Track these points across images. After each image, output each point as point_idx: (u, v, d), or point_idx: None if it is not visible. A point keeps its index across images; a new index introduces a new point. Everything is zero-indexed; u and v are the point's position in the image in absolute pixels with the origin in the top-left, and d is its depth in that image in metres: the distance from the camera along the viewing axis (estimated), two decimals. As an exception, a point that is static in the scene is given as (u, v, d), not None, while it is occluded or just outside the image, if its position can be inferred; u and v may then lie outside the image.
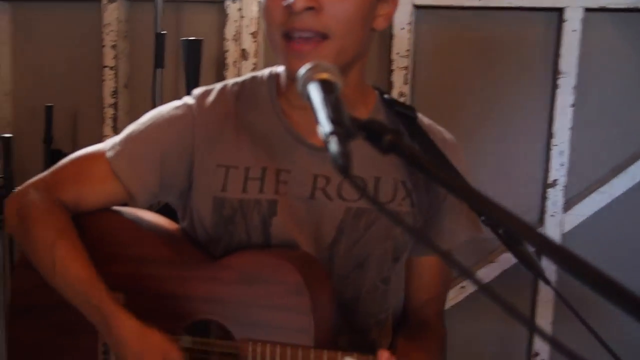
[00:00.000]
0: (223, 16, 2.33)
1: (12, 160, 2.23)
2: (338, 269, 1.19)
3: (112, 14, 2.43)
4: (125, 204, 1.24)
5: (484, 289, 0.62)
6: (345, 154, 0.71)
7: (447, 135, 1.30)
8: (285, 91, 1.21)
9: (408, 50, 2.15)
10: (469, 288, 2.18)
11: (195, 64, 1.98)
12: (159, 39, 2.13)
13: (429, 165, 0.75)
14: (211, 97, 1.22)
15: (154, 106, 2.13)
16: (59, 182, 1.21)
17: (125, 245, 1.18)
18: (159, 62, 2.14)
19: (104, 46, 2.45)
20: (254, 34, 2.28)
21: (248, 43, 2.29)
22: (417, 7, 2.15)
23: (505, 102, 2.15)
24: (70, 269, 1.13)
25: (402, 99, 2.16)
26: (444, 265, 1.31)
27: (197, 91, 1.24)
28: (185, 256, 1.17)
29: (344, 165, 0.70)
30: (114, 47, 2.44)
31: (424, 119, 1.29)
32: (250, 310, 1.09)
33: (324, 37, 1.08)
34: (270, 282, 1.08)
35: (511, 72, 2.14)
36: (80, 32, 2.54)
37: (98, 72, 2.48)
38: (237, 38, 2.31)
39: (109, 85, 2.47)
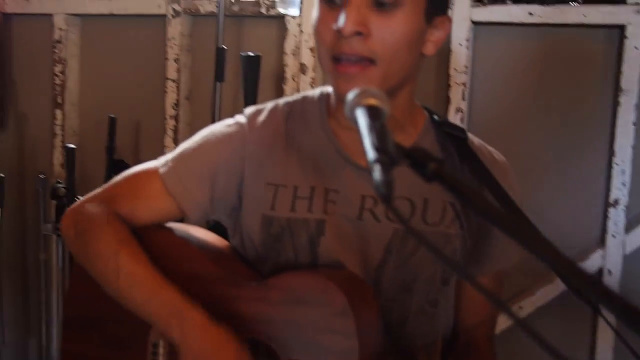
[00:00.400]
0: (283, 31, 2.36)
1: (74, 170, 2.31)
2: (385, 291, 1.18)
3: (175, 28, 2.49)
4: (178, 220, 1.27)
5: (522, 324, 0.61)
6: (387, 182, 0.72)
7: (498, 156, 1.29)
8: (335, 111, 1.22)
9: (466, 66, 2.14)
10: (523, 311, 2.15)
11: (253, 79, 2.01)
12: (220, 53, 2.17)
13: (471, 195, 0.75)
14: (262, 117, 1.24)
15: (213, 119, 2.19)
16: (113, 197, 1.24)
17: (176, 262, 1.20)
18: (219, 76, 2.18)
19: (167, 59, 2.51)
20: (312, 49, 2.30)
21: (307, 58, 2.32)
22: (476, 24, 2.14)
23: (566, 119, 2.11)
24: (136, 271, 1.14)
25: (459, 115, 2.15)
26: (496, 287, 1.30)
27: (249, 110, 1.26)
28: (234, 274, 1.18)
29: (386, 194, 0.71)
30: (176, 60, 2.50)
31: (474, 139, 1.28)
32: (296, 331, 1.09)
33: (371, 61, 1.09)
34: (316, 304, 1.08)
35: (571, 89, 2.10)
36: (145, 45, 2.61)
37: (161, 84, 2.54)
38: (296, 53, 2.33)
39: (170, 97, 2.53)
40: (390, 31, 1.08)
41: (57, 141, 2.74)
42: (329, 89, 1.26)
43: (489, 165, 1.23)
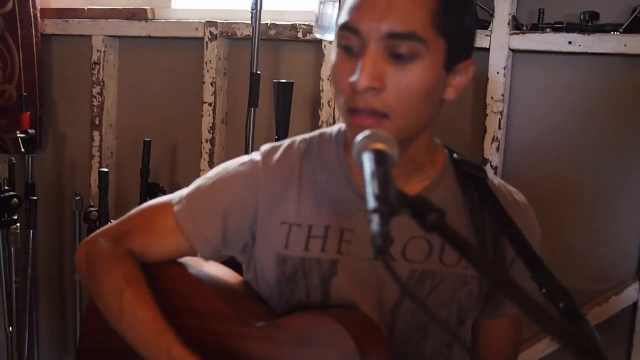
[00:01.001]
0: (320, 56, 2.35)
1: (107, 194, 2.32)
2: (400, 333, 1.17)
3: (212, 52, 2.50)
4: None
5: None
6: (384, 234, 0.74)
7: (519, 197, 1.27)
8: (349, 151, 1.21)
9: (503, 94, 2.11)
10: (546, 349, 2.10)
11: (286, 105, 2.01)
12: (254, 78, 2.17)
13: (468, 249, 0.76)
14: (277, 155, 1.24)
15: (246, 144, 2.19)
16: (127, 231, 1.26)
17: (185, 298, 1.21)
18: (252, 101, 2.18)
19: (203, 82, 2.53)
20: (348, 75, 2.29)
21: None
22: (514, 51, 2.11)
23: (604, 150, 2.06)
24: (138, 314, 1.16)
25: (495, 145, 2.12)
26: (515, 329, 1.28)
27: (264, 147, 1.26)
28: (244, 313, 1.18)
29: (381, 246, 0.73)
30: (212, 83, 2.51)
31: (494, 179, 1.27)
32: None
33: (385, 116, 1.06)
34: (323, 346, 1.07)
35: (611, 119, 2.05)
36: (182, 68, 2.63)
37: (197, 107, 2.56)
38: (332, 78, 2.32)
39: (207, 120, 2.54)
40: (405, 85, 1.05)
41: (95, 163, 2.77)
42: None
43: (509, 206, 1.21)
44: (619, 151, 2.05)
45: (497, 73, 2.11)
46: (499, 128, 2.12)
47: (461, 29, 1.10)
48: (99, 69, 2.74)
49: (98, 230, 1.29)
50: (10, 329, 2.50)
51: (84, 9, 2.77)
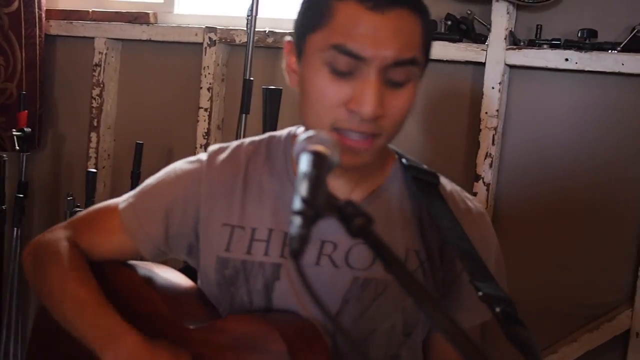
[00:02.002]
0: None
1: (94, 194, 2.31)
2: (343, 343, 1.13)
3: (210, 57, 2.49)
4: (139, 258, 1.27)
5: None
6: (302, 238, 0.72)
7: (472, 204, 1.23)
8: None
9: (497, 110, 2.07)
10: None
11: (274, 111, 2.00)
12: (246, 84, 2.16)
13: (389, 258, 0.75)
14: (223, 155, 1.22)
15: (237, 150, 2.17)
16: (75, 230, 1.26)
17: (131, 300, 1.19)
18: (244, 107, 2.17)
19: (201, 88, 2.52)
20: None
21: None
22: (510, 67, 2.07)
23: (600, 170, 2.02)
24: (81, 294, 1.15)
25: (488, 161, 2.08)
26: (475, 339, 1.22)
27: (212, 147, 1.25)
28: (186, 316, 1.16)
29: (296, 249, 0.71)
30: (209, 89, 2.50)
31: (447, 185, 1.23)
32: None
33: (377, 136, 1.05)
34: (256, 350, 1.05)
35: (608, 139, 2.00)
36: (181, 73, 2.63)
37: (194, 112, 2.54)
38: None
39: (202, 126, 2.52)
40: (400, 108, 1.05)
41: (91, 164, 2.76)
42: (298, 130, 1.22)
43: (460, 212, 1.18)
44: (615, 172, 2.00)
45: (492, 88, 2.07)
46: (493, 144, 2.09)
47: (430, 45, 1.11)
48: (100, 71, 2.74)
49: (46, 231, 1.29)
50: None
51: (88, 11, 2.78)
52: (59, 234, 1.25)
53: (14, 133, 2.60)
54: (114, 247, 1.24)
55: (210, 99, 2.51)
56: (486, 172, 2.09)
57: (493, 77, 2.07)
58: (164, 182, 1.23)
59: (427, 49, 1.08)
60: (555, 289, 2.07)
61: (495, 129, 2.08)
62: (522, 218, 2.12)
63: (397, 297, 1.14)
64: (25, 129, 2.60)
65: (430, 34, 1.10)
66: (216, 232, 1.17)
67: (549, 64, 2.00)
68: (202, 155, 1.24)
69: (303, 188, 0.77)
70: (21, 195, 2.55)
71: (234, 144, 1.24)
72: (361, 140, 1.04)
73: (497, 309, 1.01)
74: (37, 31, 2.78)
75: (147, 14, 2.65)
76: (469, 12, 2.10)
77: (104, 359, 1.11)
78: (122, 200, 1.25)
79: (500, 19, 2.05)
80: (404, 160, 1.21)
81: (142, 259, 1.26)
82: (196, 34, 2.52)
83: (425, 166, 1.22)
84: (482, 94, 2.09)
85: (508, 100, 2.11)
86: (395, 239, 1.15)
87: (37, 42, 2.78)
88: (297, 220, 0.74)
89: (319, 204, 0.75)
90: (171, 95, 2.66)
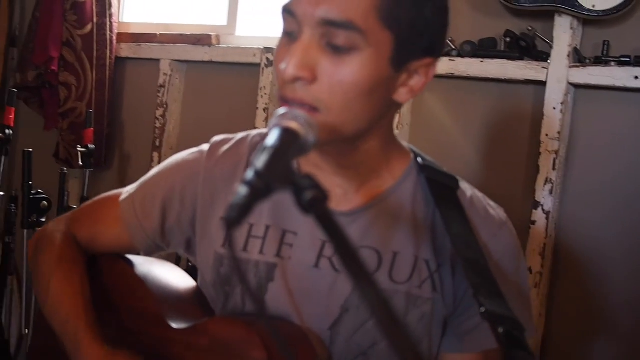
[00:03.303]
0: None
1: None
2: (338, 356, 1.03)
3: (267, 78, 2.46)
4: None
5: None
6: (242, 208, 0.68)
7: (495, 212, 1.10)
8: None
9: (559, 132, 1.92)
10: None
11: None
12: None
13: (341, 241, 0.68)
14: (226, 147, 1.14)
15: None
16: (77, 219, 1.23)
17: (124, 295, 1.15)
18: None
19: (257, 108, 2.48)
20: (398, 105, 2.17)
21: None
22: (575, 86, 1.92)
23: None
24: (61, 295, 1.12)
25: (548, 187, 1.92)
26: None
27: (215, 138, 1.17)
28: (175, 315, 1.09)
29: (233, 217, 0.67)
30: (265, 109, 2.46)
31: (468, 191, 1.11)
32: None
33: (315, 109, 0.94)
34: (236, 356, 0.97)
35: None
36: (240, 93, 2.61)
37: (251, 133, 2.51)
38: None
39: (257, 147, 2.48)
40: (339, 78, 0.94)
41: (152, 183, 2.76)
42: None
43: (479, 221, 1.06)
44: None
45: (554, 109, 1.92)
46: (554, 169, 1.93)
47: (417, 22, 0.96)
48: (164, 92, 2.76)
49: (54, 219, 1.27)
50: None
51: (156, 34, 2.82)
52: (59, 225, 1.22)
53: (78, 149, 2.64)
54: (111, 239, 1.19)
55: (266, 119, 2.46)
56: (546, 199, 1.93)
57: (555, 97, 1.92)
58: (163, 173, 1.18)
59: (390, 18, 0.94)
60: (614, 334, 1.87)
61: (556, 152, 1.92)
62: (586, 252, 1.94)
63: (400, 309, 1.03)
64: (90, 146, 2.64)
65: (409, 4, 0.96)
66: (214, 227, 1.10)
67: (617, 83, 1.83)
68: (205, 146, 1.17)
69: (260, 160, 0.72)
70: (74, 207, 2.57)
71: (240, 135, 1.16)
72: (294, 108, 0.93)
73: (500, 330, 0.90)
74: (108, 53, 2.84)
75: (210, 35, 2.65)
76: (530, 28, 1.97)
77: None
78: (125, 191, 1.21)
79: (564, 35, 1.91)
80: (419, 160, 1.10)
81: (138, 253, 1.22)
82: (254, 55, 2.50)
83: (445, 169, 1.11)
84: (543, 115, 1.94)
85: (572, 122, 1.95)
86: (403, 246, 1.05)
87: (108, 64, 2.84)
88: (243, 190, 0.69)
89: (273, 177, 0.70)
90: (230, 115, 2.64)
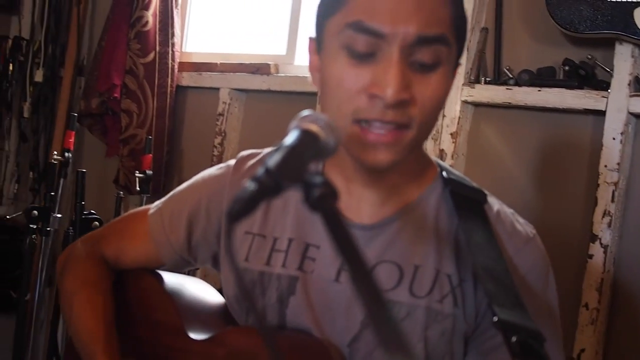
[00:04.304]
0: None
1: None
2: None
3: (323, 106, 2.46)
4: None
5: None
6: (247, 202, 0.66)
7: (522, 228, 1.06)
8: (331, 163, 1.08)
9: (619, 163, 1.85)
10: None
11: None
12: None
13: (345, 242, 0.65)
14: (252, 161, 1.14)
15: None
16: (105, 235, 1.23)
17: (149, 309, 1.15)
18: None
19: (312, 137, 2.48)
20: (453, 134, 2.15)
21: (447, 143, 2.16)
22: (635, 116, 1.86)
23: None
24: (82, 317, 1.12)
25: (607, 220, 1.85)
26: None
27: (242, 153, 1.17)
28: (196, 327, 1.08)
29: (234, 210, 0.66)
30: (320, 138, 2.46)
31: (495, 205, 1.07)
32: None
33: (406, 127, 0.94)
34: None
35: None
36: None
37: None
38: (436, 137, 2.19)
39: (312, 175, 2.48)
40: (430, 95, 0.94)
41: (208, 210, 2.79)
42: None
43: (506, 236, 1.03)
44: None
45: (613, 139, 1.87)
46: (613, 201, 1.86)
47: (465, 32, 1.00)
48: (223, 120, 2.80)
49: (84, 236, 1.29)
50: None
51: (216, 63, 2.87)
52: (86, 244, 1.24)
53: (136, 175, 2.68)
54: (139, 253, 1.20)
55: (321, 147, 2.46)
56: (604, 232, 1.86)
57: (614, 127, 1.86)
58: (191, 188, 1.19)
59: (458, 30, 0.96)
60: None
61: (615, 184, 1.86)
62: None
63: (421, 324, 0.99)
64: (147, 172, 2.68)
65: (463, 13, 0.98)
66: (238, 241, 1.09)
67: (682, 113, 1.77)
68: (231, 161, 1.18)
69: (272, 158, 0.71)
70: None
71: (268, 149, 1.16)
72: (387, 133, 0.93)
73: (514, 339, 0.85)
74: (169, 81, 2.90)
75: (269, 65, 2.68)
76: (590, 56, 1.93)
77: None
78: (153, 206, 1.22)
79: (624, 64, 1.86)
80: (444, 174, 1.08)
81: (165, 268, 1.22)
82: (312, 84, 2.50)
83: (473, 183, 1.08)
84: (602, 146, 1.88)
85: (632, 153, 1.89)
86: (425, 259, 1.02)
87: (169, 92, 2.90)
88: (251, 185, 0.67)
89: (283, 175, 0.68)
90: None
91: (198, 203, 1.15)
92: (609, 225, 1.86)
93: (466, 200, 1.04)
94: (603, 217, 1.87)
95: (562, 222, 1.98)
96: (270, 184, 0.68)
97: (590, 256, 1.87)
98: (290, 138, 0.75)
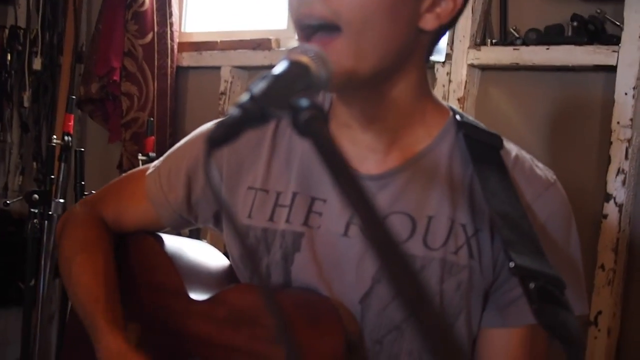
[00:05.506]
0: (431, 79, 2.18)
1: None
2: (370, 329, 0.95)
3: (326, 79, 2.42)
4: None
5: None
6: (229, 128, 0.64)
7: (542, 172, 1.01)
8: (332, 110, 1.03)
9: (632, 119, 1.80)
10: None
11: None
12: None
13: (338, 167, 0.61)
14: None
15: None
16: (103, 198, 1.20)
17: (150, 272, 1.12)
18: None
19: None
20: (460, 99, 2.10)
21: (454, 109, 2.11)
22: (647, 70, 1.81)
23: None
24: (82, 278, 1.08)
25: (621, 177, 1.81)
26: (531, 345, 0.98)
27: None
28: (197, 288, 1.05)
29: (215, 135, 0.63)
30: (324, 111, 2.42)
31: (512, 150, 1.02)
32: (231, 355, 0.92)
33: (335, 28, 0.87)
34: (254, 325, 0.91)
35: None
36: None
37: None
38: (442, 103, 2.14)
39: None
40: None
41: (213, 190, 2.75)
42: None
43: (523, 180, 0.98)
44: None
45: (625, 94, 1.81)
46: (626, 158, 1.81)
47: None
48: (225, 99, 2.75)
49: (83, 199, 1.26)
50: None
51: (216, 41, 2.82)
52: (85, 206, 1.20)
53: (139, 158, 2.65)
54: (138, 215, 1.16)
55: (326, 120, 2.42)
56: (618, 190, 1.81)
57: (626, 82, 1.81)
58: (188, 144, 1.14)
59: None
60: None
61: (629, 140, 1.81)
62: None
63: (437, 277, 0.95)
64: (151, 154, 2.64)
65: None
66: (241, 197, 1.05)
67: (694, 64, 1.72)
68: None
69: (258, 85, 0.68)
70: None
71: None
72: (316, 40, 0.86)
73: (532, 285, 0.81)
74: (169, 62, 2.85)
75: (269, 40, 2.64)
76: (599, 11, 1.88)
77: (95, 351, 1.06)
78: (152, 166, 1.18)
79: (635, 16, 1.80)
80: (458, 117, 1.02)
81: (165, 229, 1.18)
82: (313, 56, 2.46)
83: (486, 128, 1.03)
84: (614, 102, 1.83)
85: (646, 109, 1.84)
86: (439, 209, 0.97)
87: (169, 73, 2.86)
88: (235, 111, 0.64)
89: (268, 102, 0.65)
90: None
91: (196, 159, 1.10)
92: (623, 183, 1.81)
93: (481, 146, 0.99)
94: (617, 175, 1.82)
95: (576, 183, 1.92)
96: (255, 111, 0.65)
97: (605, 216, 1.82)
98: (279, 68, 0.72)
